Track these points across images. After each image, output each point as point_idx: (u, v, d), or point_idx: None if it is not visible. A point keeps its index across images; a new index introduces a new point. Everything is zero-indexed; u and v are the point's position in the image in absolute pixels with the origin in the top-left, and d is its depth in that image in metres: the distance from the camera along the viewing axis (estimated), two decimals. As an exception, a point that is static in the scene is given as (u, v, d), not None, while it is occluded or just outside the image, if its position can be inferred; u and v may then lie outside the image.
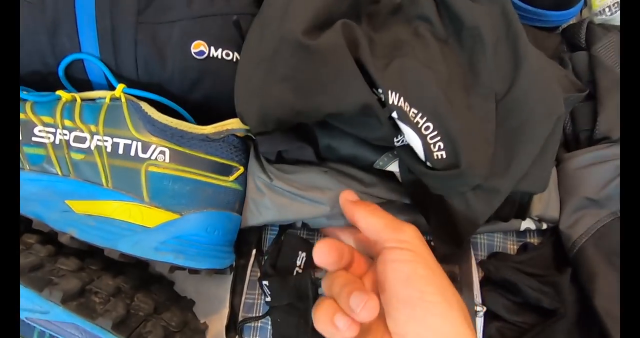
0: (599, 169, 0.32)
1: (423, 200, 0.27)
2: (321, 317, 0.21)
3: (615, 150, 0.33)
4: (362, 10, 0.30)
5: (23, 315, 0.22)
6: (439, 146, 0.24)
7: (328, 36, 0.24)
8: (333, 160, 0.31)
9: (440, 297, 0.20)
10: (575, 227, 0.32)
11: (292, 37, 0.23)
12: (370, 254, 0.26)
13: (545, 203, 0.32)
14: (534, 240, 0.35)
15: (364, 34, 0.26)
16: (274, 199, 0.30)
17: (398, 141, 0.26)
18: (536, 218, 0.33)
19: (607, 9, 0.44)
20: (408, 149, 0.25)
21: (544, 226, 0.34)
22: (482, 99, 0.27)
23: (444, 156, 0.24)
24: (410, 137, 0.25)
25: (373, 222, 0.23)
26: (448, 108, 0.24)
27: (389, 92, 0.24)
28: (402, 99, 0.24)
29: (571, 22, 0.45)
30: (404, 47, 0.29)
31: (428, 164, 0.25)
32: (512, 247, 0.35)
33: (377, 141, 0.26)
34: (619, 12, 0.43)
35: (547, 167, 0.27)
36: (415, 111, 0.24)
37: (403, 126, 0.25)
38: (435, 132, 0.24)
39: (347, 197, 0.26)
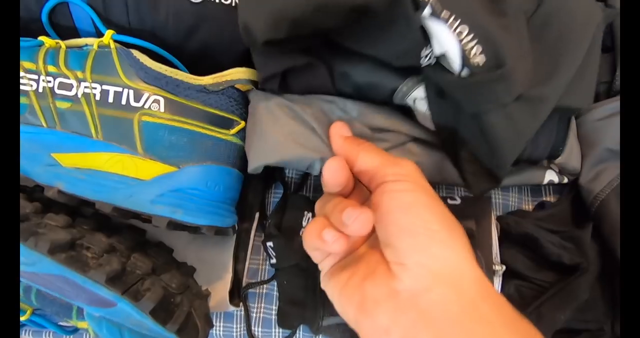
0: (611, 120, 0.31)
1: (453, 131, 0.25)
2: (309, 231, 0.20)
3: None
4: None
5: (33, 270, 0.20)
6: (477, 50, 0.22)
7: None
8: (347, 91, 0.28)
9: (444, 225, 0.19)
10: (596, 181, 0.31)
11: None
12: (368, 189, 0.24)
13: (569, 152, 0.30)
14: (550, 199, 0.34)
15: None
16: (278, 135, 0.27)
17: (427, 56, 0.24)
18: (557, 171, 0.32)
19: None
20: (437, 67, 0.23)
21: (565, 179, 0.32)
22: (512, 17, 0.25)
23: (484, 60, 0.22)
24: (444, 40, 0.22)
25: (369, 159, 0.21)
26: (483, 10, 0.22)
27: None
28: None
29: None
30: None
31: (465, 73, 0.22)
32: (527, 206, 0.34)
33: (403, 59, 0.24)
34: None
35: (591, 78, 0.25)
36: (448, 12, 0.22)
37: (436, 27, 0.22)
38: (472, 35, 0.22)
39: (338, 131, 0.24)
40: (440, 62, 0.24)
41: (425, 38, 0.23)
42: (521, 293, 0.29)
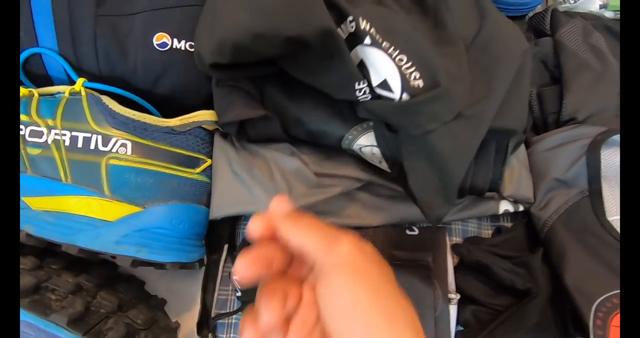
0: (566, 149, 0.33)
1: (402, 160, 0.26)
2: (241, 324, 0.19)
3: (582, 130, 0.33)
4: None
5: None
6: (415, 75, 0.24)
7: None
8: (300, 136, 0.30)
9: (387, 326, 0.17)
10: (545, 209, 0.32)
11: None
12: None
13: (517, 183, 0.32)
14: (507, 224, 0.35)
15: None
16: (237, 187, 0.29)
17: (360, 89, 0.25)
18: (511, 200, 0.33)
19: (571, -3, 0.45)
20: (376, 100, 0.25)
21: (521, 208, 0.34)
22: (453, 45, 0.28)
23: (421, 84, 0.24)
24: (384, 67, 0.24)
25: (304, 240, 0.19)
26: (421, 39, 0.24)
27: (360, 19, 0.24)
28: (373, 28, 0.24)
29: (537, 11, 0.46)
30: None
31: (406, 95, 0.24)
32: (486, 232, 0.35)
33: (339, 91, 0.25)
34: (581, 0, 0.44)
35: (522, 99, 0.27)
36: (388, 43, 0.24)
37: (376, 56, 0.24)
38: (410, 63, 0.24)
39: (278, 207, 0.20)
40: (378, 94, 0.25)
41: (361, 67, 0.25)
42: (477, 317, 0.30)
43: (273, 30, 0.22)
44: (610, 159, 0.33)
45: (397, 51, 0.24)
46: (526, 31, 0.43)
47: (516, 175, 0.32)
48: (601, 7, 0.44)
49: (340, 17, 0.24)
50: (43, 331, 0.21)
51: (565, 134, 0.34)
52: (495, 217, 0.36)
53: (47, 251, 0.27)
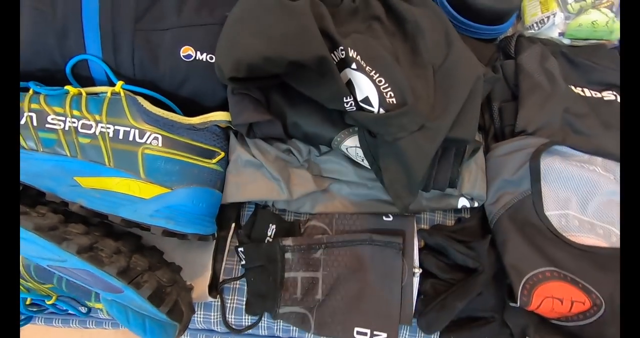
0: (515, 155, 0.40)
1: (378, 158, 0.33)
2: None
3: (528, 141, 0.41)
4: (328, 10, 0.37)
5: (45, 263, 0.27)
6: (390, 94, 0.31)
7: (301, 2, 0.30)
8: (298, 137, 0.37)
9: None
10: (496, 204, 0.40)
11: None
12: None
13: (473, 183, 0.39)
14: (467, 215, 0.43)
15: (327, 10, 0.32)
16: (249, 177, 0.36)
17: (348, 102, 0.32)
18: (469, 197, 0.41)
19: (535, 25, 0.52)
20: (360, 110, 0.31)
21: (476, 204, 0.41)
22: (424, 69, 0.35)
23: (394, 101, 0.31)
24: (365, 87, 0.31)
25: None
26: (396, 66, 0.31)
27: (349, 48, 0.31)
28: (359, 55, 0.31)
29: (508, 34, 0.53)
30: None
31: (382, 109, 0.31)
32: (450, 221, 0.43)
33: (331, 103, 0.32)
34: (544, 26, 0.51)
35: (473, 115, 0.34)
36: (371, 67, 0.31)
37: (360, 79, 0.31)
38: (387, 84, 0.31)
39: None
40: (362, 106, 0.32)
41: (348, 88, 0.31)
42: (435, 288, 0.37)
43: (279, 55, 0.29)
44: (550, 164, 0.40)
45: (377, 75, 0.31)
46: (496, 52, 0.50)
47: (473, 177, 0.40)
48: (560, 34, 0.51)
49: (333, 45, 0.31)
50: (98, 278, 0.27)
51: (515, 143, 0.41)
52: (458, 210, 0.43)
53: (88, 222, 0.33)
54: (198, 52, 0.36)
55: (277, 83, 0.34)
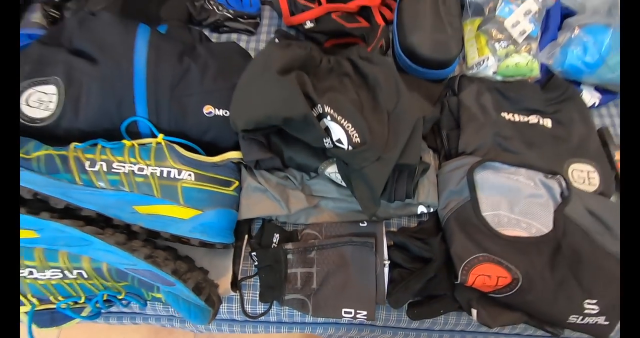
0: (457, 171, 0.53)
1: (351, 181, 0.46)
2: None
3: (466, 159, 0.53)
4: (309, 71, 0.50)
5: (123, 267, 0.39)
6: (355, 135, 0.44)
7: (289, 76, 0.43)
8: (293, 167, 0.50)
9: None
10: (445, 209, 0.52)
11: (272, 73, 0.43)
12: None
13: (427, 194, 0.52)
14: (426, 218, 0.55)
15: (309, 80, 0.46)
16: (257, 200, 0.49)
17: (326, 141, 0.45)
18: (425, 205, 0.53)
19: (474, 66, 0.66)
20: (335, 147, 0.44)
21: (431, 209, 0.54)
22: (381, 114, 0.48)
23: (359, 140, 0.43)
24: (338, 132, 0.44)
25: None
26: (359, 115, 0.44)
27: (324, 105, 0.44)
28: (332, 110, 0.44)
29: (455, 73, 0.67)
30: (335, 91, 0.49)
31: (350, 148, 0.44)
32: (413, 224, 0.55)
33: (315, 143, 0.45)
34: (481, 67, 0.65)
35: (416, 147, 0.47)
36: (341, 117, 0.44)
37: (333, 126, 0.44)
38: (353, 128, 0.44)
39: None
40: (336, 145, 0.45)
41: (327, 132, 0.44)
42: (401, 275, 0.49)
43: (276, 114, 0.42)
44: (484, 176, 0.53)
45: (345, 121, 0.44)
46: (444, 89, 0.64)
47: (426, 189, 0.52)
48: (494, 73, 0.65)
49: (313, 103, 0.44)
50: (159, 276, 0.39)
51: (457, 162, 0.54)
52: (419, 215, 0.56)
53: (145, 239, 0.45)
54: (217, 109, 0.49)
55: (275, 130, 0.47)
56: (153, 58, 0.47)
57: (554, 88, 0.64)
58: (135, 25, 0.49)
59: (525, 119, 0.61)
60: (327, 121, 0.44)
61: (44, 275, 0.40)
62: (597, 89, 0.67)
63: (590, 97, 0.66)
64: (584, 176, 0.58)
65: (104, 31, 0.47)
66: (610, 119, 0.67)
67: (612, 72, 0.62)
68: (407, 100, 0.48)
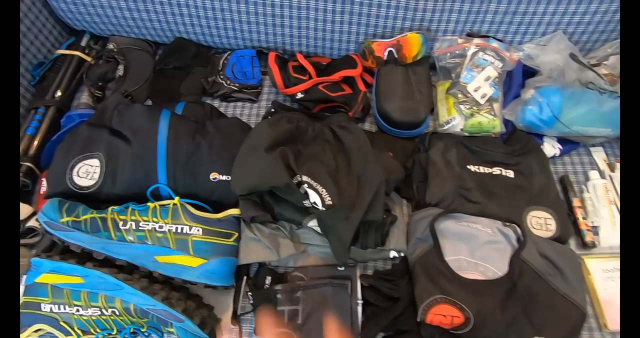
0: (423, 221, 0.62)
1: (328, 233, 0.56)
2: None
3: (431, 211, 0.63)
4: (297, 138, 0.62)
5: (145, 307, 0.50)
6: (328, 198, 0.54)
7: (274, 153, 0.55)
8: (283, 220, 0.61)
9: None
10: (413, 254, 0.61)
11: (260, 150, 0.54)
12: None
13: (396, 241, 0.61)
14: (397, 263, 0.64)
15: (292, 153, 0.57)
16: (253, 248, 0.60)
17: (306, 202, 0.56)
18: (396, 250, 0.62)
19: (444, 123, 0.76)
20: (313, 208, 0.55)
21: (402, 254, 0.63)
22: (352, 178, 0.58)
23: (331, 203, 0.54)
24: (313, 196, 0.54)
25: None
26: (331, 182, 0.54)
27: (302, 175, 0.55)
28: (309, 178, 0.55)
29: (429, 129, 0.77)
30: (317, 156, 0.60)
31: (324, 209, 0.54)
32: (388, 266, 0.64)
33: (297, 202, 0.56)
34: (450, 125, 0.74)
35: (378, 206, 0.56)
36: (316, 184, 0.55)
37: (310, 192, 0.55)
38: (327, 193, 0.54)
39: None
40: (313, 206, 0.56)
41: (305, 195, 0.55)
42: (374, 312, 0.58)
43: (263, 184, 0.54)
44: (447, 225, 0.62)
45: (320, 187, 0.55)
46: (416, 145, 0.74)
47: (396, 237, 0.61)
48: (461, 129, 0.74)
49: (293, 173, 0.55)
50: (172, 314, 0.50)
51: (423, 213, 0.63)
52: (393, 259, 0.64)
53: (162, 282, 0.57)
54: (221, 175, 0.61)
55: (267, 192, 0.59)
56: (172, 138, 0.60)
57: (516, 141, 0.73)
58: (158, 111, 0.63)
59: (489, 170, 0.70)
60: (305, 188, 0.55)
61: (87, 312, 0.52)
62: (560, 140, 0.75)
63: (551, 148, 0.73)
64: (542, 222, 0.65)
65: (135, 118, 0.61)
66: (572, 166, 0.75)
67: (567, 127, 0.70)
68: (374, 166, 0.59)
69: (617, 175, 0.71)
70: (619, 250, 0.65)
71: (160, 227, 0.57)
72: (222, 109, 0.80)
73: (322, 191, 0.55)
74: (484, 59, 0.74)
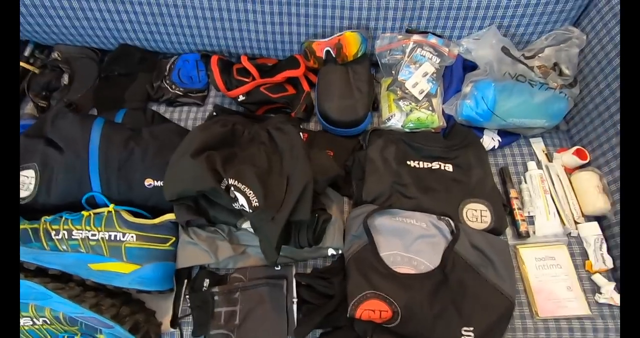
0: (358, 218, 0.63)
1: (257, 233, 0.57)
2: None
3: (365, 208, 0.64)
4: (233, 141, 0.63)
5: (74, 315, 0.51)
6: (255, 200, 0.55)
7: (200, 157, 0.56)
8: (218, 223, 0.62)
9: None
10: (348, 251, 0.62)
11: (187, 156, 0.55)
12: None
13: (332, 239, 0.62)
14: (335, 260, 0.65)
15: (222, 156, 0.58)
16: (190, 252, 0.60)
17: (236, 205, 0.56)
18: (333, 247, 0.63)
19: (387, 120, 0.77)
20: (242, 209, 0.55)
21: (340, 251, 0.64)
22: (282, 178, 0.59)
23: (258, 204, 0.55)
24: (241, 199, 0.55)
25: None
26: (258, 183, 0.55)
27: (229, 178, 0.56)
28: (236, 181, 0.56)
29: (373, 126, 0.78)
30: (251, 158, 0.61)
31: (250, 211, 0.55)
32: (327, 263, 0.65)
33: (228, 205, 0.57)
34: (391, 121, 0.75)
35: (306, 205, 0.56)
36: (243, 186, 0.56)
37: (238, 195, 0.55)
38: (253, 194, 0.55)
39: None
40: (242, 208, 0.56)
41: (234, 199, 0.56)
42: (308, 310, 0.59)
43: (190, 189, 0.55)
44: (382, 221, 0.63)
45: (247, 189, 0.56)
46: (358, 143, 0.75)
47: (332, 235, 0.62)
48: (402, 126, 0.75)
49: (220, 177, 0.56)
50: (99, 320, 0.51)
51: (359, 210, 0.64)
52: (332, 256, 0.66)
53: (96, 288, 0.58)
54: (155, 181, 0.62)
55: (201, 196, 0.59)
56: (104, 147, 0.61)
57: (455, 136, 0.74)
58: (92, 120, 0.63)
59: (429, 165, 0.71)
60: (233, 191, 0.56)
61: (20, 323, 0.53)
62: (499, 132, 0.76)
63: (490, 141, 0.75)
64: (477, 215, 0.66)
65: (68, 128, 0.62)
66: (512, 158, 0.76)
67: (503, 120, 0.71)
68: (303, 166, 0.59)
69: (554, 164, 0.73)
70: (552, 239, 0.67)
71: (93, 234, 0.57)
72: (167, 114, 0.80)
73: (250, 193, 0.56)
74: (421, 55, 0.75)
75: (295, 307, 0.59)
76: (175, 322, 0.60)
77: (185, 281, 0.63)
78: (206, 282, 0.61)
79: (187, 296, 0.61)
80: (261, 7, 0.74)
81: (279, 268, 0.62)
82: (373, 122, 0.79)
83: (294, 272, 0.61)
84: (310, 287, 0.61)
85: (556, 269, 0.64)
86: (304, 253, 0.63)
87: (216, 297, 0.60)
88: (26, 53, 0.84)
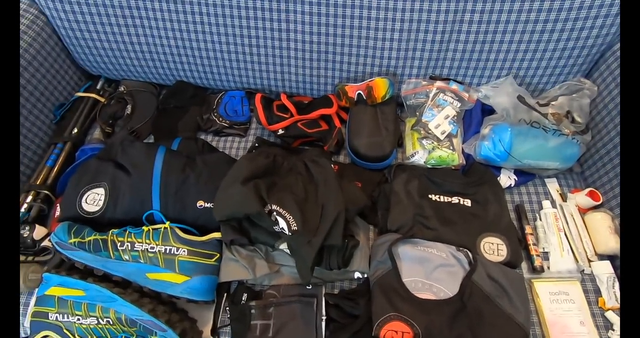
0: (383, 245, 0.69)
1: (294, 255, 0.64)
2: None
3: (390, 236, 0.70)
4: (273, 171, 0.72)
5: (134, 317, 0.58)
6: (294, 224, 0.63)
7: (249, 185, 0.64)
8: (258, 243, 0.69)
9: None
10: (374, 275, 0.68)
11: (237, 183, 0.64)
12: None
13: (359, 264, 0.69)
14: (362, 283, 0.71)
15: (266, 184, 0.66)
16: (232, 267, 0.68)
17: (276, 228, 0.64)
18: (360, 271, 0.70)
19: (410, 156, 0.84)
20: (282, 232, 0.63)
21: (365, 275, 0.70)
22: (317, 206, 0.67)
23: (297, 228, 0.62)
24: (282, 223, 0.63)
25: None
26: (297, 209, 0.63)
27: (272, 204, 0.64)
28: (278, 207, 0.64)
29: (397, 161, 0.86)
30: (289, 186, 0.69)
31: (290, 233, 0.62)
32: (354, 286, 0.71)
33: (269, 228, 0.64)
34: (414, 157, 0.83)
35: (338, 232, 0.63)
36: (284, 211, 0.64)
37: (279, 218, 0.63)
38: (293, 220, 0.63)
39: None
40: (282, 231, 0.64)
41: (275, 222, 0.64)
42: (336, 328, 0.65)
43: (238, 212, 0.63)
44: (404, 249, 0.69)
45: (288, 214, 0.64)
46: (383, 176, 0.82)
47: (359, 259, 0.69)
48: (424, 162, 0.83)
49: (265, 202, 0.65)
50: (156, 324, 0.58)
51: (384, 238, 0.71)
52: (358, 279, 0.72)
53: (152, 296, 0.66)
54: (206, 203, 0.71)
55: (245, 218, 0.68)
56: (165, 172, 0.71)
57: (474, 173, 0.80)
58: (155, 148, 0.74)
59: (449, 199, 0.78)
60: (275, 216, 0.64)
61: (86, 321, 0.61)
62: (516, 172, 0.82)
63: (507, 179, 0.81)
64: (494, 248, 0.72)
65: (135, 154, 0.72)
66: (527, 196, 0.81)
67: (519, 161, 0.78)
68: (337, 196, 0.67)
69: (568, 204, 0.78)
70: (566, 275, 0.71)
71: (152, 248, 0.66)
72: (214, 143, 0.90)
73: (290, 218, 0.64)
74: (443, 100, 0.84)
75: (324, 324, 0.64)
76: (215, 331, 0.67)
77: (225, 294, 0.70)
78: (244, 296, 0.68)
79: (227, 308, 0.67)
80: (302, 53, 0.86)
81: (310, 287, 0.68)
82: (398, 158, 0.87)
83: (323, 292, 0.67)
84: (338, 307, 0.67)
85: (569, 304, 0.68)
86: (332, 275, 0.70)
87: (253, 311, 0.66)
88: (98, 86, 0.97)
